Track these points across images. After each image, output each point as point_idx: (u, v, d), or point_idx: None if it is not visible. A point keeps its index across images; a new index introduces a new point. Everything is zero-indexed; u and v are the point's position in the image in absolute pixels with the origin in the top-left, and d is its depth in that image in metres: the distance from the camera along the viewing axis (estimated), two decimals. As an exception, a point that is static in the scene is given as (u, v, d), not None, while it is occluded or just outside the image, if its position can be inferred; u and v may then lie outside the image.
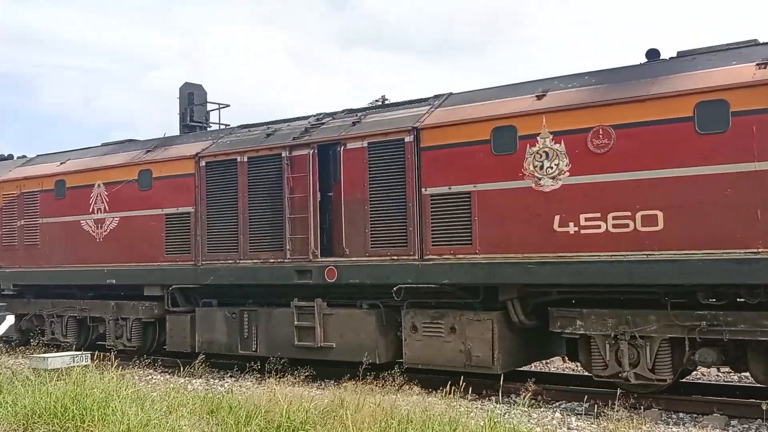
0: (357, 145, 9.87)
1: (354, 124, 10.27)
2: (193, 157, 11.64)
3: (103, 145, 14.29)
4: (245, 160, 11.00)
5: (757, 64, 7.42)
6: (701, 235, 7.37)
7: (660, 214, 7.60)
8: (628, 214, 7.79)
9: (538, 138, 8.39)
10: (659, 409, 8.14)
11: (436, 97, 10.13)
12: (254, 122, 12.08)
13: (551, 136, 8.30)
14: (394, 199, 9.50)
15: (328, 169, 10.43)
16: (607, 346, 8.28)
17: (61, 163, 14.06)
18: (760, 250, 7.07)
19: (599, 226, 7.96)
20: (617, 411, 7.33)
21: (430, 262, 9.13)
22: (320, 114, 11.32)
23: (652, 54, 8.73)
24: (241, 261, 10.94)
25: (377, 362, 9.80)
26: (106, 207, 12.75)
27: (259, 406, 7.18)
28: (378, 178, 9.66)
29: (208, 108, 14.43)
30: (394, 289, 9.43)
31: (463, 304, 9.35)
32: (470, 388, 8.54)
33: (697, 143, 7.46)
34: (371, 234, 9.67)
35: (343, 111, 11.05)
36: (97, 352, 11.35)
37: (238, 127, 12.27)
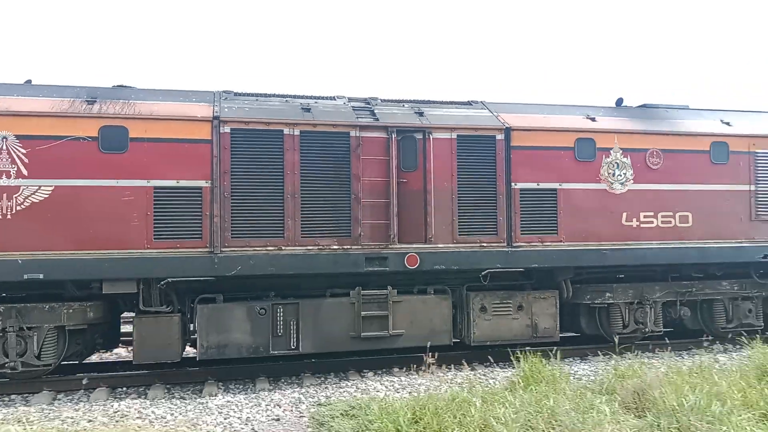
0: (445, 135, 10.19)
1: (418, 114, 10.42)
2: (209, 120, 9.43)
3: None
4: (296, 133, 9.69)
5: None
6: (717, 230, 11.10)
7: (690, 215, 11.01)
8: (671, 214, 10.95)
9: (611, 151, 10.75)
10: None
11: (471, 102, 11.19)
12: (245, 92, 10.47)
13: (621, 152, 10.78)
14: (484, 190, 10.29)
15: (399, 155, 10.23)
16: (627, 310, 11.20)
17: None
18: (743, 240, 11.21)
19: (652, 222, 10.86)
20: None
21: (520, 249, 10.36)
22: (339, 96, 10.76)
23: (620, 101, 12.04)
24: (287, 247, 9.58)
25: (451, 344, 10.35)
26: (22, 170, 8.86)
27: None
28: (466, 169, 10.24)
29: None
30: (483, 273, 10.24)
31: (518, 285, 10.83)
32: None
33: (711, 169, 11.15)
34: (459, 222, 10.18)
35: (366, 98, 10.83)
36: None
37: (222, 91, 10.30)
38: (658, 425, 6.52)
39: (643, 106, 12.04)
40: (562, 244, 10.54)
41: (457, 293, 10.62)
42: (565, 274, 10.90)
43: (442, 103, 11.05)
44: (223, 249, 9.39)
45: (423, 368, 9.21)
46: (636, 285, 11.24)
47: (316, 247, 9.70)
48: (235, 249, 9.44)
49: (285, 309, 9.76)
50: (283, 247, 9.58)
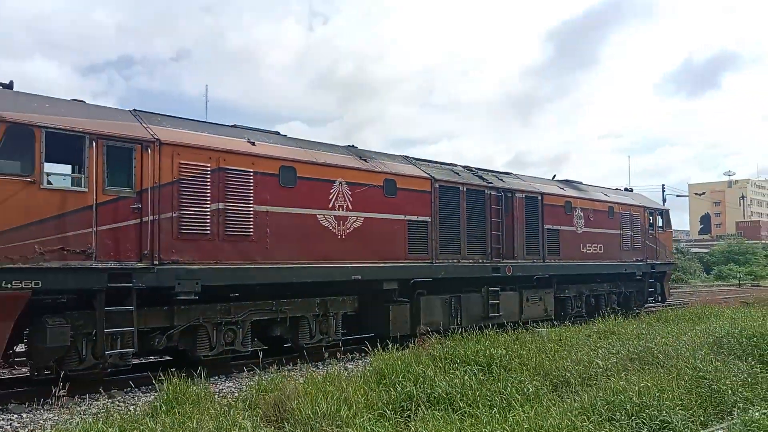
0: (520, 195, 17.16)
1: (501, 180, 17.16)
2: (429, 179, 14.80)
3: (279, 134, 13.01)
4: (464, 190, 15.62)
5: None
6: (611, 255, 20.13)
7: (602, 245, 19.83)
8: (597, 245, 19.61)
9: (577, 209, 18.96)
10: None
11: (509, 173, 18.31)
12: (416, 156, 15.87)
13: (580, 209, 19.08)
14: (533, 228, 17.48)
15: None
16: (574, 300, 19.47)
17: (251, 142, 12.09)
18: (617, 261, 20.50)
19: (590, 250, 19.35)
20: None
21: (548, 263, 17.80)
22: (457, 165, 16.82)
23: (554, 176, 20.52)
24: (461, 261, 15.39)
25: (520, 322, 17.19)
26: (349, 205, 13.16)
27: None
28: (527, 215, 17.33)
29: None
30: (535, 278, 17.41)
31: (533, 285, 18.17)
32: None
33: (609, 220, 20.18)
34: (526, 247, 17.18)
35: (468, 167, 17.11)
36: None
37: (405, 156, 15.53)
38: (296, 434, 6.66)
39: (566, 180, 20.65)
40: (561, 261, 18.32)
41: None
42: (556, 278, 18.66)
43: (501, 173, 17.93)
44: (436, 261, 14.82)
45: (50, 401, 8.55)
46: (578, 285, 19.59)
47: (472, 261, 15.72)
48: (441, 261, 14.94)
49: (454, 299, 15.49)
50: (460, 261, 15.38)
